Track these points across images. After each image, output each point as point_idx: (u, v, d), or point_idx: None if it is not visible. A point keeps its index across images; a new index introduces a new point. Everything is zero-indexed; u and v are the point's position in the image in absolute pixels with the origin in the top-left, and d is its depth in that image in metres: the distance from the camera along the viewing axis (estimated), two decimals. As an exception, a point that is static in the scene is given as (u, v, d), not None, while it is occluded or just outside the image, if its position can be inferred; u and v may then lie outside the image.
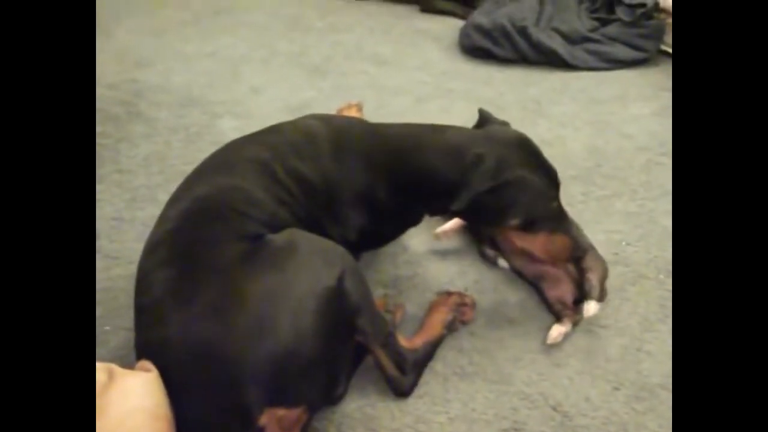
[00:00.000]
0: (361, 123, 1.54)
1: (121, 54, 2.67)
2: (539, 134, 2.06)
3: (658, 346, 1.43)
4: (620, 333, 1.46)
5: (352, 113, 2.11)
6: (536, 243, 1.38)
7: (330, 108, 2.16)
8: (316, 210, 1.38)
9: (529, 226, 1.34)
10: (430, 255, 1.66)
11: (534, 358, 1.41)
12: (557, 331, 1.40)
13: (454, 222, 1.60)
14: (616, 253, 1.66)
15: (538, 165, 1.35)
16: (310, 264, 1.19)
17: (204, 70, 2.56)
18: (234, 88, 2.42)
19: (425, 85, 2.44)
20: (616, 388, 1.34)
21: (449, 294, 1.49)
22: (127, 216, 1.80)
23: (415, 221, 1.51)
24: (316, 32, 2.94)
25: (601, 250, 1.59)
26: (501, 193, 1.30)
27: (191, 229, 1.24)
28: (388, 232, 1.56)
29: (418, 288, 1.57)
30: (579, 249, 1.40)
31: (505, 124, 1.45)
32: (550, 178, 1.36)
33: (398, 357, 1.30)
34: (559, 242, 1.38)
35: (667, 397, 1.32)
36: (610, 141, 2.08)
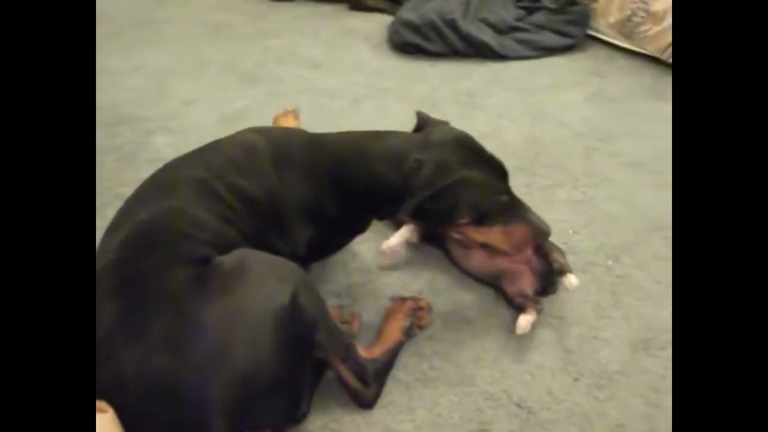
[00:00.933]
0: (301, 133, 1.51)
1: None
2: (477, 128, 2.06)
3: (613, 332, 1.45)
4: (575, 322, 1.48)
5: (289, 120, 2.08)
6: (493, 235, 1.37)
7: (266, 115, 2.13)
8: (263, 226, 1.35)
9: (482, 221, 1.34)
10: (382, 260, 1.65)
11: (494, 356, 1.41)
12: (525, 320, 1.40)
13: (399, 236, 1.59)
14: (565, 242, 1.68)
15: (480, 161, 1.35)
16: (262, 284, 1.17)
17: (131, 85, 2.49)
18: (165, 102, 2.36)
19: (359, 85, 2.42)
20: (577, 379, 1.36)
21: (404, 300, 1.49)
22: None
23: (362, 228, 1.50)
24: (245, 39, 2.89)
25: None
26: (444, 196, 1.30)
27: (135, 257, 1.20)
28: (337, 241, 1.55)
29: (373, 295, 1.56)
30: (540, 233, 1.40)
31: (444, 123, 1.45)
32: (495, 171, 1.36)
33: (359, 369, 1.29)
34: (517, 231, 1.37)
35: (626, 383, 1.34)
36: (547, 130, 2.10)
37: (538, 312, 1.45)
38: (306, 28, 2.94)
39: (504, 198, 1.36)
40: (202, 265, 1.19)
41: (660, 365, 1.37)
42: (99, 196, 1.87)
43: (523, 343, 1.43)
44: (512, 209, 1.37)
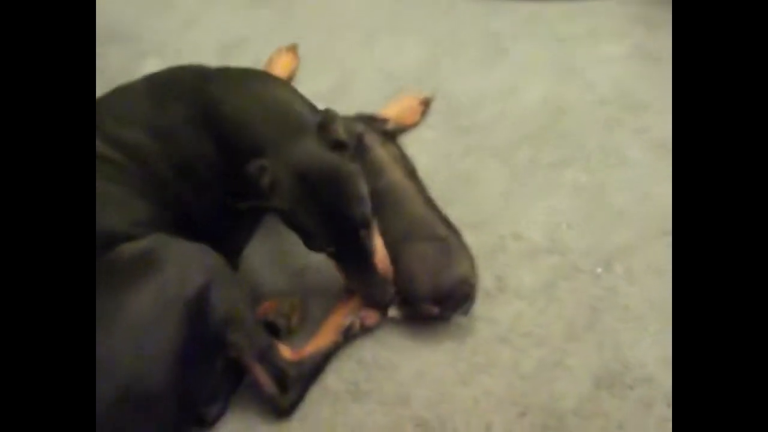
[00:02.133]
0: (191, 69, 1.36)
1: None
2: (494, 82, 1.86)
3: (580, 359, 1.29)
4: (540, 342, 1.32)
5: (286, 59, 1.90)
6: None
7: (271, 44, 1.98)
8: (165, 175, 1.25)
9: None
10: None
11: (440, 373, 1.28)
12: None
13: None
14: (553, 239, 1.49)
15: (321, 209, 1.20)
16: (163, 279, 1.09)
17: (134, -1, 2.31)
18: (165, 21, 2.19)
19: (377, 15, 2.17)
20: (523, 414, 1.22)
21: (352, 294, 1.34)
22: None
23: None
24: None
25: (537, 232, 1.43)
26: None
27: None
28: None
29: (330, 281, 1.41)
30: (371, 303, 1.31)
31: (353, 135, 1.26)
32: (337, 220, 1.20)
33: (277, 372, 1.20)
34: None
35: (577, 426, 1.18)
36: (571, 91, 1.84)
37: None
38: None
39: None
40: (102, 249, 1.07)
41: (623, 409, 1.20)
42: None
43: (474, 360, 1.28)
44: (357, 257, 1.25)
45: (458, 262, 1.34)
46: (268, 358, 1.19)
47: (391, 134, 1.59)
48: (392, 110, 1.73)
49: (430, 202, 1.45)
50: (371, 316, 1.33)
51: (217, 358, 1.17)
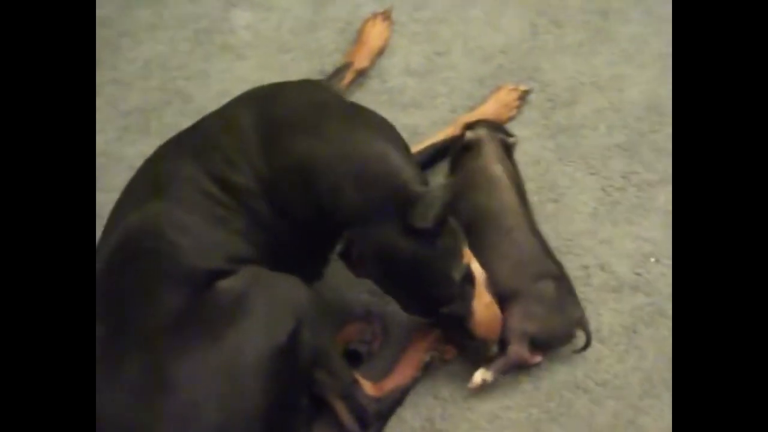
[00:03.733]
0: (308, 108, 1.29)
1: None
2: (593, 70, 1.76)
3: (653, 420, 1.29)
4: (616, 394, 1.33)
5: (378, 30, 1.81)
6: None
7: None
8: (270, 223, 1.24)
9: None
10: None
11: (513, 417, 1.31)
12: (479, 375, 1.30)
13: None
14: (639, 274, 1.46)
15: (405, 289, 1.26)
16: (257, 323, 1.11)
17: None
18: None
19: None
20: (589, 473, 1.24)
21: (429, 329, 1.35)
22: (115, 151, 1.67)
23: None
24: None
25: (623, 264, 1.41)
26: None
27: (120, 272, 1.15)
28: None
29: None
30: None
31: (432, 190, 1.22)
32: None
33: (359, 409, 1.25)
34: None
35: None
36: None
37: (501, 370, 1.29)
38: None
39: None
40: (196, 285, 1.12)
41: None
42: (161, 90, 1.80)
43: (548, 406, 1.31)
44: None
45: (571, 303, 1.33)
46: (351, 394, 1.24)
47: (510, 147, 1.51)
48: (489, 107, 1.66)
49: (536, 229, 1.41)
50: (451, 351, 1.35)
51: (303, 397, 1.21)
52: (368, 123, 1.29)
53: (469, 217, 1.39)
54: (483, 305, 1.27)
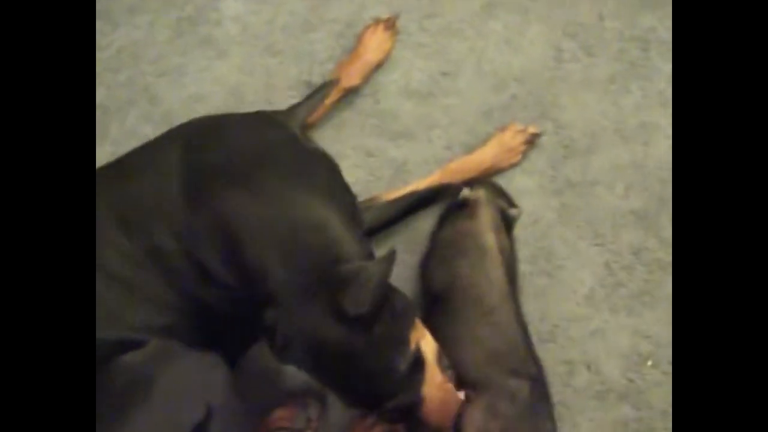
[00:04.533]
0: (247, 155, 1.14)
1: None
2: (621, 114, 1.51)
3: None
4: None
5: (378, 39, 1.58)
6: None
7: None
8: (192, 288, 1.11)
9: None
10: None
11: None
12: None
13: None
14: (631, 380, 1.25)
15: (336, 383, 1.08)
16: (157, 410, 1.00)
17: None
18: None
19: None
20: None
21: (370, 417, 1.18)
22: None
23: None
24: None
25: (613, 365, 1.22)
26: None
27: None
28: None
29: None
30: None
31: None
32: None
33: None
34: None
35: None
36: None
37: None
38: None
39: None
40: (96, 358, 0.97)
41: None
42: (127, 86, 1.61)
43: None
44: None
45: (544, 413, 1.18)
46: None
47: (510, 220, 1.31)
48: (490, 151, 1.44)
49: (521, 316, 1.24)
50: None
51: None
52: (313, 180, 1.12)
53: (446, 284, 1.24)
54: (435, 387, 1.09)
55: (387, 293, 1.03)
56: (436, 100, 1.55)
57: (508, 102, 1.53)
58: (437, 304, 1.25)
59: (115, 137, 1.53)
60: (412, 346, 1.06)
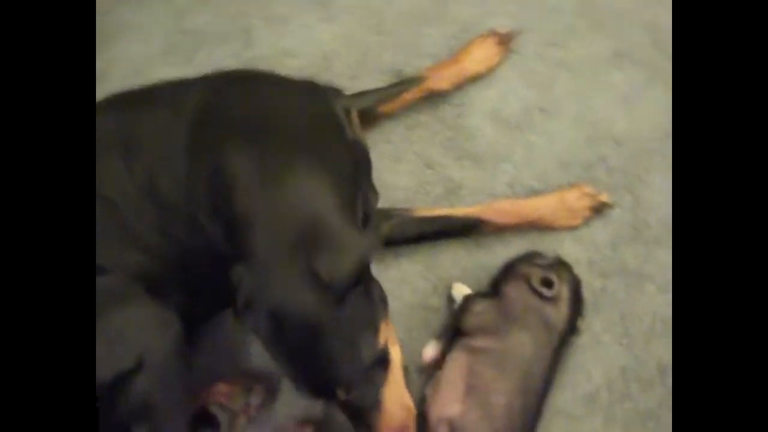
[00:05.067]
0: (273, 115, 1.08)
1: None
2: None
3: None
4: None
5: (486, 53, 1.48)
6: None
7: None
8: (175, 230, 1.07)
9: None
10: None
11: None
12: None
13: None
14: None
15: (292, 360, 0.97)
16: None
17: None
18: None
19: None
20: None
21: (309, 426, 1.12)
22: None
23: None
24: None
25: None
26: None
27: None
28: None
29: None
30: None
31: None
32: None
33: None
34: None
35: None
36: None
37: None
38: None
39: None
40: None
41: None
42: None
43: None
44: None
45: None
46: None
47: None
48: (549, 204, 1.32)
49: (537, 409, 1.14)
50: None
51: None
52: (333, 166, 1.04)
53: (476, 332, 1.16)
54: (395, 397, 1.01)
55: (367, 272, 0.96)
56: (520, 134, 1.44)
57: (595, 161, 1.39)
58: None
59: (198, 64, 1.52)
60: (381, 340, 0.98)
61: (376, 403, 0.99)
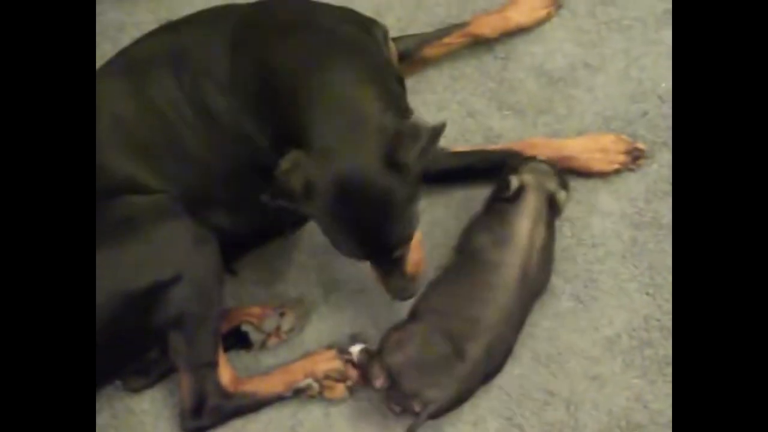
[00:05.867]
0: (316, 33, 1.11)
1: None
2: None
3: None
4: None
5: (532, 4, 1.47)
6: None
7: None
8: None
9: None
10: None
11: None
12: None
13: None
14: None
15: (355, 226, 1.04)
16: (130, 257, 1.08)
17: None
18: None
19: None
20: None
21: (332, 351, 1.20)
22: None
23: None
24: None
25: (593, 418, 1.18)
26: None
27: None
28: None
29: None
30: None
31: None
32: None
33: (201, 395, 1.16)
34: None
35: None
36: None
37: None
38: None
39: None
40: (107, 190, 1.09)
41: None
42: None
43: None
44: None
45: (448, 383, 1.12)
46: (201, 375, 1.15)
47: (556, 206, 1.23)
48: (581, 145, 1.34)
49: (524, 309, 1.19)
50: (335, 390, 1.17)
51: (150, 348, 1.15)
52: (369, 55, 1.11)
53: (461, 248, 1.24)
54: (416, 249, 1.14)
55: (429, 156, 1.01)
56: (564, 88, 1.45)
57: (637, 117, 1.40)
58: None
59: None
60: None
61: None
